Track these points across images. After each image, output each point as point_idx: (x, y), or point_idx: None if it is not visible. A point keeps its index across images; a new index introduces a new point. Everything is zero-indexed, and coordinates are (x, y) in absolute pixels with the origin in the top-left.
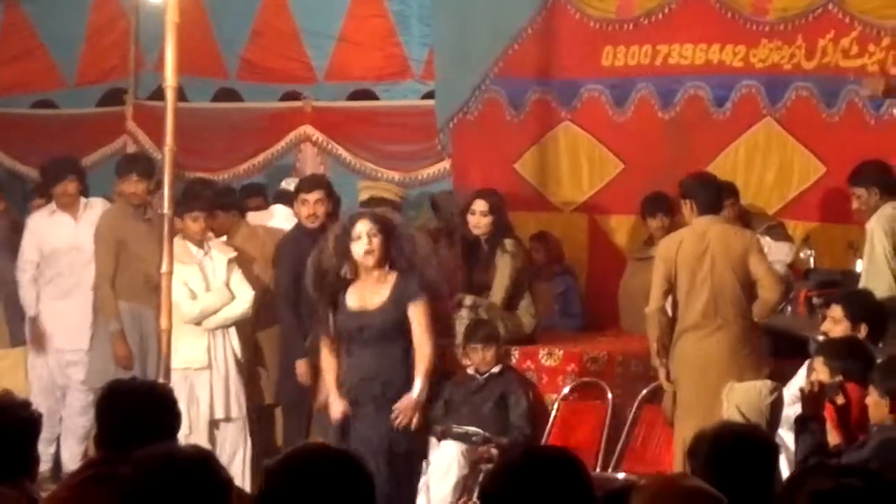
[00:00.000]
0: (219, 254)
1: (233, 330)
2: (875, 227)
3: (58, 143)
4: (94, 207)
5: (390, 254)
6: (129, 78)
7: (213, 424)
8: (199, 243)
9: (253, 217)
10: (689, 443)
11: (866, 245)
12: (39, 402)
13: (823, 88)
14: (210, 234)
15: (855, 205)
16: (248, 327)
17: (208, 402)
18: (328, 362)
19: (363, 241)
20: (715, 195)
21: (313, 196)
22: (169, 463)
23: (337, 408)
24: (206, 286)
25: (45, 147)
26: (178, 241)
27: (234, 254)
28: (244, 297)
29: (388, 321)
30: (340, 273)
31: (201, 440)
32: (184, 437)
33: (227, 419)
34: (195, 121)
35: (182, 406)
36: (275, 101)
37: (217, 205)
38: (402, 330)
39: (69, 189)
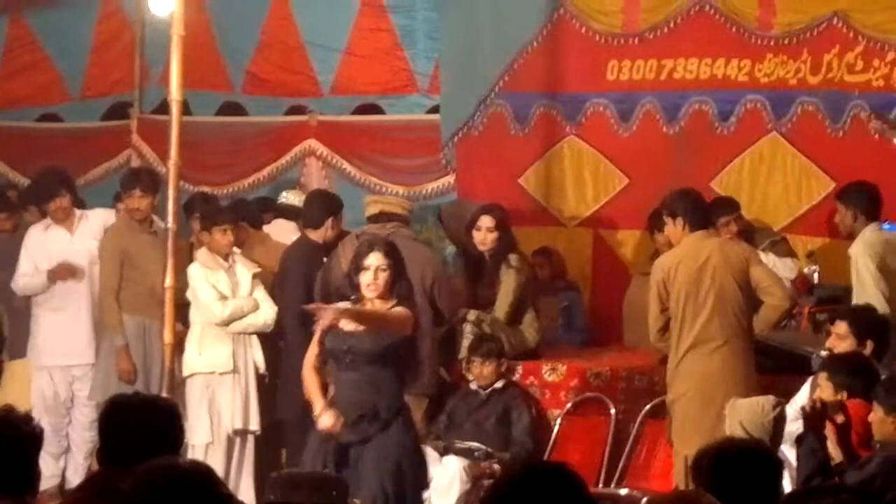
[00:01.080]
0: (243, 268)
1: (255, 340)
2: (859, 254)
3: (62, 156)
4: (89, 219)
5: (394, 287)
6: (134, 91)
7: (236, 434)
8: (225, 256)
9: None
10: (692, 459)
11: (852, 270)
12: (43, 418)
13: (829, 103)
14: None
15: (836, 218)
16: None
17: (229, 412)
18: (311, 376)
19: (370, 273)
20: (705, 211)
21: None
22: (169, 478)
23: (327, 420)
24: (234, 293)
25: (50, 161)
26: (204, 251)
27: (258, 269)
28: (268, 311)
29: (376, 346)
30: (346, 295)
31: (221, 450)
32: (205, 445)
33: (246, 431)
34: (200, 135)
35: (203, 414)
36: (280, 114)
37: (241, 217)
38: (390, 357)
39: (63, 204)
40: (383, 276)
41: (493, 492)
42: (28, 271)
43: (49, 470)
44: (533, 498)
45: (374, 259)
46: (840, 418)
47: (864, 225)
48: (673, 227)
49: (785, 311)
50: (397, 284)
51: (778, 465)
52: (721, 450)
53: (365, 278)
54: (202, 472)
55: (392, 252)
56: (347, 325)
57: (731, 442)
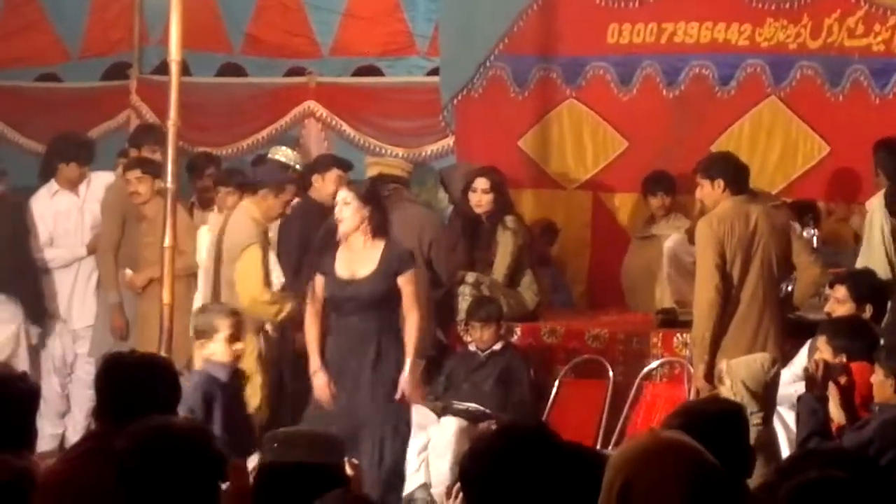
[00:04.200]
0: None
1: None
2: (876, 207)
3: (61, 116)
4: (95, 181)
5: (371, 223)
6: (134, 52)
7: None
8: None
9: None
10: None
11: (866, 224)
12: (52, 377)
13: (828, 68)
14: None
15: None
16: None
17: None
18: (312, 329)
19: (338, 208)
20: (745, 175)
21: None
22: (162, 436)
23: (320, 380)
24: None
25: (48, 121)
26: (214, 214)
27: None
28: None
29: (376, 291)
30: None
31: None
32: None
33: None
34: (199, 96)
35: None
36: (279, 76)
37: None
38: (389, 299)
39: (68, 175)
40: (347, 211)
41: (472, 453)
42: (44, 242)
43: (53, 430)
44: (510, 460)
45: (340, 194)
46: (843, 380)
47: (885, 182)
48: (711, 189)
49: (821, 285)
50: (375, 224)
51: (739, 412)
52: (684, 410)
53: (336, 212)
54: (196, 431)
55: (357, 189)
56: None
57: (690, 403)
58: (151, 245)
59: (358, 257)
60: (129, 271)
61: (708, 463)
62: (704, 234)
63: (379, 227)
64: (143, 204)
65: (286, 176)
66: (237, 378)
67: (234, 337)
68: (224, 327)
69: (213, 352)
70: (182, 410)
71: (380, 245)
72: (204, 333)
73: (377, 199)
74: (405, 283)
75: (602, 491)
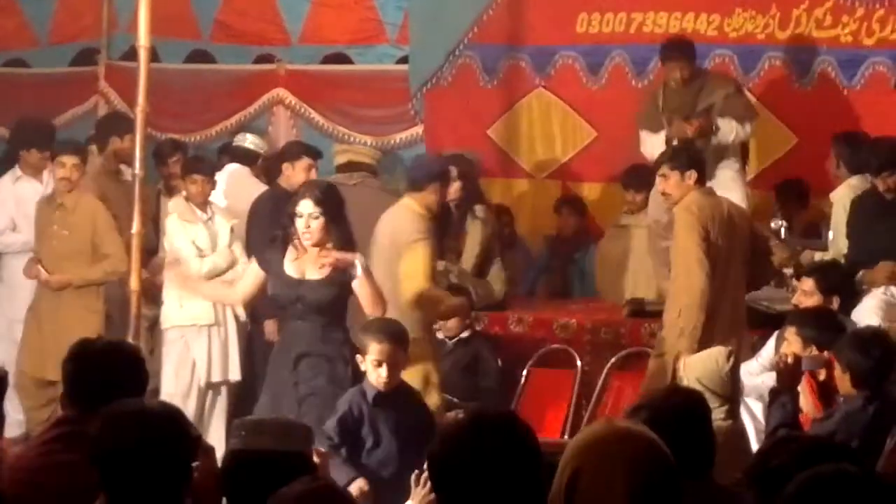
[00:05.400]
0: (222, 220)
1: None
2: (841, 197)
3: (30, 102)
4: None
5: (331, 233)
6: (102, 38)
7: (209, 387)
8: (203, 206)
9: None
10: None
11: (833, 214)
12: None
13: (796, 59)
14: (211, 199)
15: (831, 172)
16: None
17: (205, 364)
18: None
19: (303, 220)
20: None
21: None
22: (137, 419)
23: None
24: (213, 246)
25: (16, 106)
26: (181, 202)
27: (235, 221)
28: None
29: (326, 295)
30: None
31: (193, 401)
32: (168, 396)
33: (225, 382)
34: (168, 82)
35: (176, 366)
36: (248, 63)
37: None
38: (340, 308)
39: (30, 160)
40: (315, 224)
41: (441, 440)
42: (5, 226)
43: (19, 416)
44: (478, 448)
45: (304, 206)
46: (822, 375)
47: (847, 174)
48: (680, 180)
49: (785, 267)
50: (334, 230)
51: (700, 401)
52: (647, 403)
53: (299, 226)
54: (170, 414)
55: (324, 198)
56: None
57: (656, 396)
58: (66, 239)
59: (311, 259)
60: (42, 270)
61: (658, 451)
62: (687, 222)
63: (341, 241)
64: (67, 192)
65: (450, 167)
66: (391, 397)
67: (383, 363)
68: (372, 352)
69: (366, 369)
70: (331, 422)
71: (334, 252)
72: (360, 349)
73: (341, 211)
74: (358, 285)
75: (555, 478)
